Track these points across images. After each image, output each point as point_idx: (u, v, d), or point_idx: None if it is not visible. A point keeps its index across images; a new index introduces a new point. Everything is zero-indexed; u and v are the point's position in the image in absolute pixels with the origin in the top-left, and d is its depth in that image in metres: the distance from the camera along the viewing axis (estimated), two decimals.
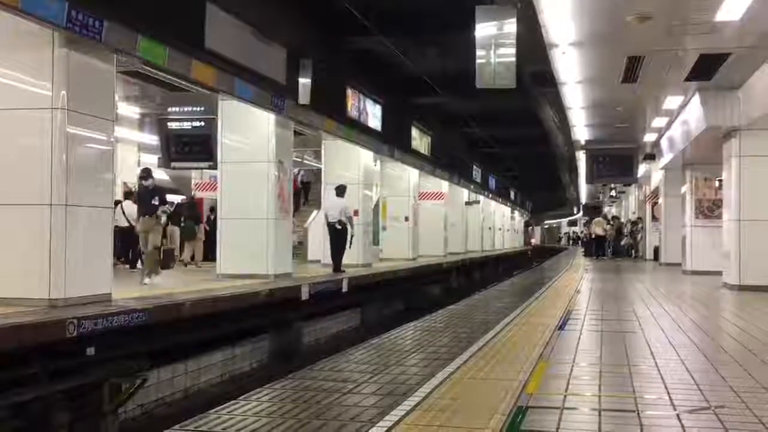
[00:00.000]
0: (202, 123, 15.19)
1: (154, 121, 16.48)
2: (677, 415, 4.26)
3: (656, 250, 26.56)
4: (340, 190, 14.26)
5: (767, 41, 10.25)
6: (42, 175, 7.23)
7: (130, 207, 14.40)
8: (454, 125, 24.16)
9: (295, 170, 23.38)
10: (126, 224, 14.26)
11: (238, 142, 12.27)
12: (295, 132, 13.39)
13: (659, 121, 17.82)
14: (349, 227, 14.06)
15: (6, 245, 7.32)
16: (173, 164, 16.43)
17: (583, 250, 38.45)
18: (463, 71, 11.84)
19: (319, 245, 16.84)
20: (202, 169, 18.73)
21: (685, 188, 19.36)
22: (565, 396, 4.73)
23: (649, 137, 20.45)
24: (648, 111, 16.85)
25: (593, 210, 50.80)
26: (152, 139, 18.10)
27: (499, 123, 23.70)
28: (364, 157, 16.94)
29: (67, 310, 6.78)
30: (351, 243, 14.26)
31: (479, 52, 9.91)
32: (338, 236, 14.05)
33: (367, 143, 16.51)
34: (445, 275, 21.99)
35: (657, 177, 24.97)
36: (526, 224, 61.99)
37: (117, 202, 15.15)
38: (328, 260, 14.81)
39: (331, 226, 14.03)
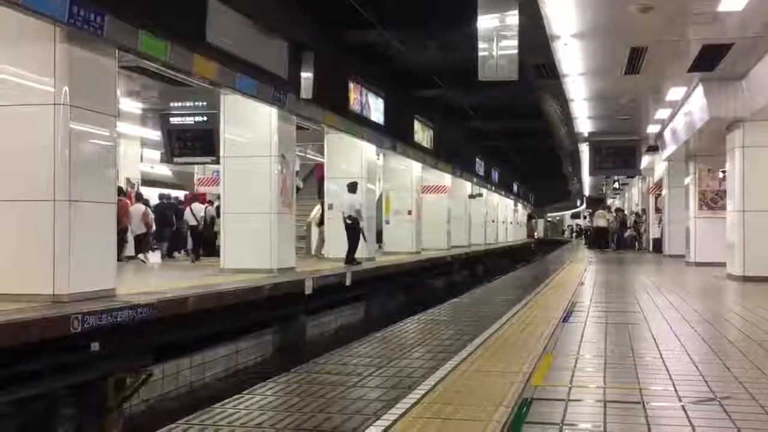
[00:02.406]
0: (205, 118, 15.24)
1: (157, 116, 16.51)
2: (683, 407, 4.25)
3: (656, 242, 26.54)
4: (351, 187, 14.43)
5: None
6: (45, 170, 7.24)
7: (198, 207, 16.08)
8: (456, 118, 24.12)
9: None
10: (195, 222, 15.88)
11: (241, 136, 12.26)
12: (297, 126, 13.38)
13: (662, 113, 17.77)
14: (360, 222, 14.38)
15: (10, 241, 7.33)
16: (176, 159, 16.49)
17: (585, 242, 38.45)
18: (465, 64, 11.81)
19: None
20: (204, 164, 18.79)
21: (688, 180, 19.31)
22: (570, 388, 4.73)
23: (653, 129, 20.40)
24: (651, 102, 16.80)
25: (596, 202, 50.77)
26: (155, 134, 18.11)
27: (501, 115, 23.66)
28: (366, 150, 16.93)
29: (71, 305, 6.79)
30: (364, 236, 14.71)
31: (481, 45, 9.88)
32: (348, 231, 14.31)
33: (370, 137, 16.49)
34: (449, 268, 21.99)
35: (660, 168, 24.93)
36: (530, 217, 61.96)
37: (182, 203, 17.04)
38: (331, 254, 14.89)
39: (344, 221, 14.26)
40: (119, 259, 14.11)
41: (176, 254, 17.86)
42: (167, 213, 17.70)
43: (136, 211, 16.17)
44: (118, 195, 15.17)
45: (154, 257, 17.15)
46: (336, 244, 15.23)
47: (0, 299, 6.94)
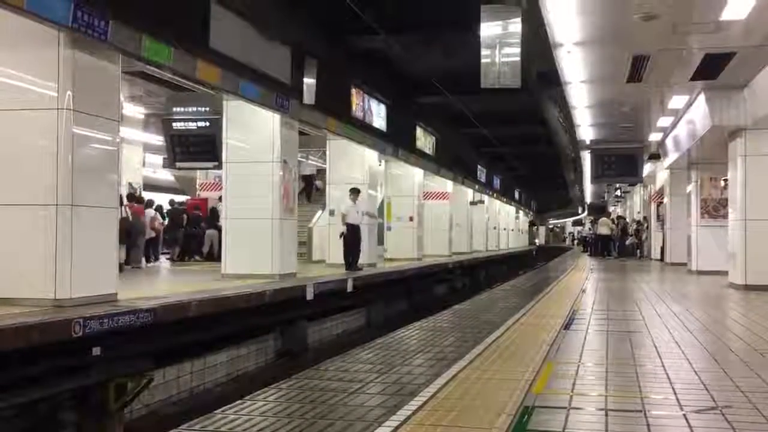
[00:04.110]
0: (207, 123, 15.26)
1: (159, 121, 16.55)
2: (684, 415, 4.25)
3: (662, 250, 26.53)
4: (350, 193, 14.43)
5: None
6: (48, 175, 7.25)
7: None
8: (458, 125, 24.14)
9: None
10: None
11: (243, 142, 12.27)
12: (299, 132, 13.39)
13: (664, 121, 17.76)
14: (350, 227, 14.39)
15: (12, 245, 7.34)
16: (178, 164, 16.52)
17: (587, 250, 38.43)
18: (468, 71, 11.83)
19: (324, 245, 16.92)
20: (207, 169, 18.81)
21: (690, 188, 19.31)
22: (571, 396, 4.72)
23: (655, 137, 20.40)
24: (653, 110, 16.81)
25: (598, 209, 50.76)
26: (157, 139, 18.16)
27: (503, 122, 23.68)
28: (368, 156, 16.95)
29: (72, 310, 6.79)
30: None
31: (484, 52, 9.90)
32: (349, 236, 14.37)
33: (372, 143, 16.50)
34: (450, 275, 21.98)
35: (662, 177, 24.93)
36: (531, 224, 61.93)
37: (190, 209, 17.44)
38: (333, 260, 14.89)
39: (345, 227, 14.41)
40: (130, 263, 14.27)
41: (186, 258, 18.02)
42: (180, 218, 17.89)
43: (147, 216, 16.27)
44: (138, 202, 15.50)
45: (161, 261, 17.22)
46: (338, 250, 15.22)
47: (1, 303, 6.95)
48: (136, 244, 14.96)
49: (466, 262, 24.15)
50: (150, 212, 16.54)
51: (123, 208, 14.15)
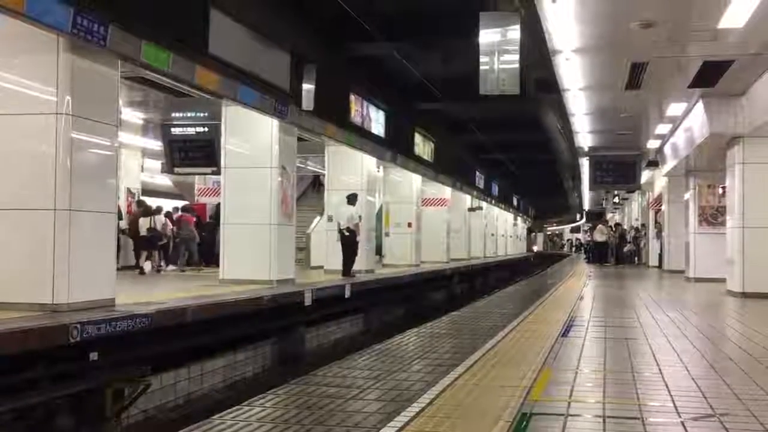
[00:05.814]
0: (206, 128, 15.27)
1: (158, 126, 16.54)
2: (682, 423, 4.25)
3: (660, 257, 26.56)
4: (350, 199, 14.39)
5: None
6: (46, 179, 7.24)
7: None
8: (457, 131, 24.15)
9: None
10: None
11: (242, 147, 12.27)
12: (297, 138, 13.39)
13: (663, 128, 17.81)
14: (357, 234, 14.29)
15: (10, 249, 7.33)
16: (177, 170, 16.52)
17: (585, 257, 38.47)
18: (466, 77, 11.84)
19: (323, 251, 16.90)
20: (205, 174, 18.80)
21: (688, 195, 19.33)
22: (569, 403, 4.72)
23: (653, 144, 20.44)
24: (651, 118, 16.85)
25: (596, 216, 50.81)
26: (156, 144, 18.15)
27: (502, 129, 23.68)
28: (367, 163, 16.95)
29: (70, 315, 6.78)
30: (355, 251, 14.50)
31: (483, 59, 9.89)
32: (345, 242, 14.27)
33: (370, 149, 16.50)
34: (448, 281, 21.97)
35: (660, 183, 24.97)
36: (529, 231, 61.94)
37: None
38: (331, 266, 14.81)
39: (340, 232, 14.23)
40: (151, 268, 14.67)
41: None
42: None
43: (158, 221, 16.25)
44: (186, 211, 15.86)
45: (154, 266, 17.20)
46: (336, 256, 15.19)
47: None
48: (190, 249, 16.32)
49: (463, 268, 24.15)
50: (161, 219, 16.53)
51: (151, 218, 15.06)
